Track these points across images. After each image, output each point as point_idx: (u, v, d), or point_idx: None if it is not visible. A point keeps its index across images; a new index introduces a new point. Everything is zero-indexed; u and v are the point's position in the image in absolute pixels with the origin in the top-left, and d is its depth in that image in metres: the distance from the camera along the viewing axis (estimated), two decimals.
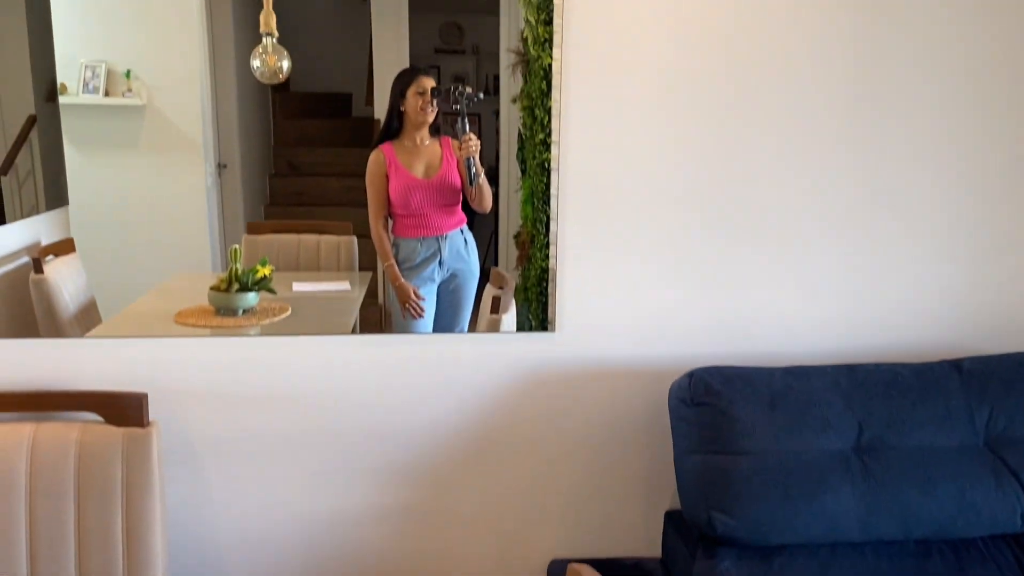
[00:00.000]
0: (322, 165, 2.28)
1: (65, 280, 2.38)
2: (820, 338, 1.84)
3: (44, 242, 2.53)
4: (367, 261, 2.00)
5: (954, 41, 1.71)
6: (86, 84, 2.51)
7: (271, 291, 2.30)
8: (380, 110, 1.96)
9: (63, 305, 2.23)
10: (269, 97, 2.40)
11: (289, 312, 1.96)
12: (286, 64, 2.46)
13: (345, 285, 2.06)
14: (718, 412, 1.64)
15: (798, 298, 1.82)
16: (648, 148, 1.69)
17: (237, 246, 2.45)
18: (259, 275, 2.45)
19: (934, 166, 1.78)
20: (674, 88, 1.68)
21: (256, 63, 2.44)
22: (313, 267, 2.18)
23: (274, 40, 2.42)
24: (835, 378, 1.71)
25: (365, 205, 1.92)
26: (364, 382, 1.70)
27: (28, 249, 2.33)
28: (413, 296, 1.79)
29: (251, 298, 2.46)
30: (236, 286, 2.37)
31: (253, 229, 2.76)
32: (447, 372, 1.72)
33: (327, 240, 2.21)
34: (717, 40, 1.66)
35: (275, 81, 2.49)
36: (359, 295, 2.04)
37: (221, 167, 2.42)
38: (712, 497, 1.60)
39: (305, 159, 2.32)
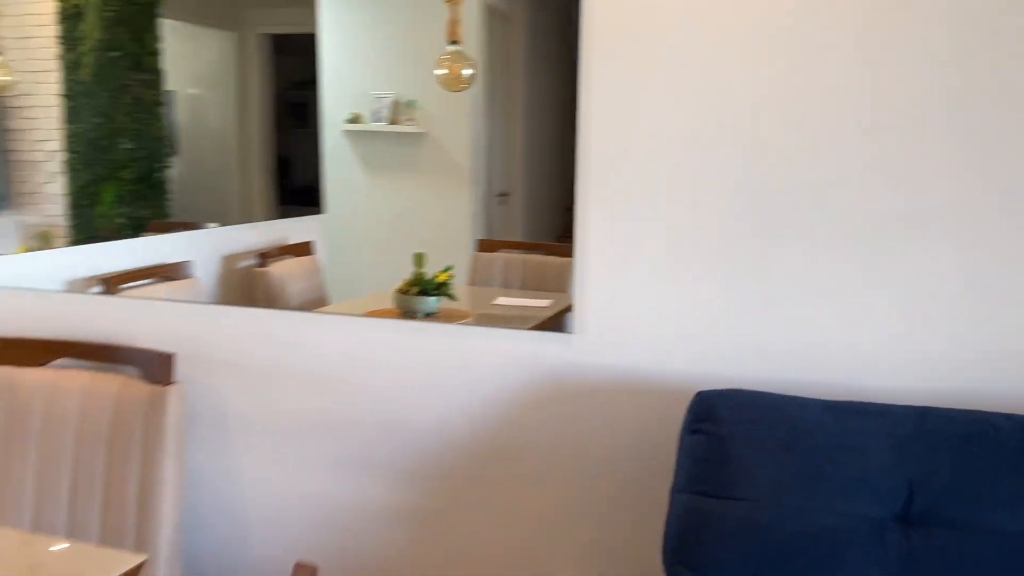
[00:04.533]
0: None
1: (291, 276, 2.84)
2: (906, 374, 1.36)
3: (291, 242, 3.06)
4: None
5: None
6: (375, 113, 2.99)
7: (450, 296, 2.47)
8: None
9: (282, 295, 2.70)
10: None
11: (470, 320, 2.07)
12: (468, 72, 2.60)
13: (546, 303, 2.11)
14: (714, 443, 1.31)
15: (883, 321, 1.36)
16: (696, 128, 1.42)
17: (422, 252, 2.66)
18: (439, 280, 2.63)
19: None
20: (728, 55, 1.39)
21: (440, 71, 2.64)
22: (535, 286, 2.28)
23: (459, 48, 2.58)
24: (894, 422, 1.25)
25: None
26: (376, 369, 1.68)
27: (272, 248, 2.86)
28: None
29: (431, 302, 2.67)
30: (417, 289, 2.58)
31: (483, 247, 2.95)
32: (455, 367, 1.65)
33: (551, 261, 2.28)
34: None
35: (456, 89, 2.64)
36: (552, 312, 2.07)
37: (501, 196, 2.65)
38: (682, 547, 1.29)
39: None
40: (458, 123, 3.02)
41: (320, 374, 1.71)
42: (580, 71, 1.48)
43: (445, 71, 2.69)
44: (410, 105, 3.13)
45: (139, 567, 1.24)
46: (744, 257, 1.44)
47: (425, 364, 1.65)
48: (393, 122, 3.00)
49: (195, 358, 1.79)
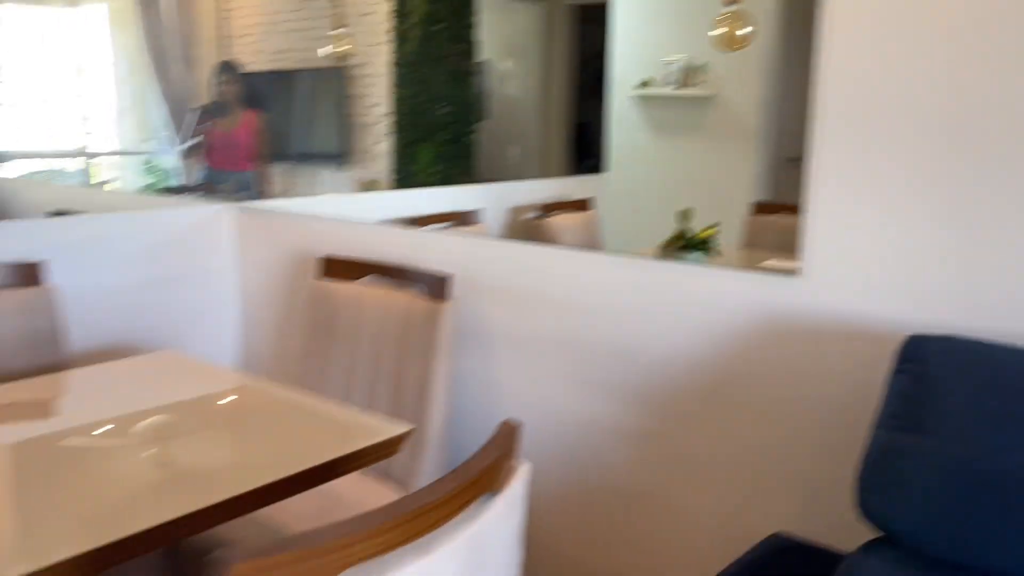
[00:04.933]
0: None
1: (567, 228, 3.01)
2: None
3: (573, 198, 3.28)
4: None
5: None
6: (666, 78, 3.12)
7: (712, 252, 2.59)
8: None
9: (557, 243, 2.91)
10: None
11: None
12: (745, 31, 2.61)
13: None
14: (917, 381, 1.31)
15: None
16: (941, 70, 1.40)
17: (689, 208, 2.72)
18: (701, 236, 2.68)
19: None
20: None
21: (717, 32, 2.68)
22: None
23: (736, 8, 2.60)
24: None
25: None
26: (618, 303, 1.82)
27: (554, 202, 3.09)
28: None
29: (693, 257, 2.79)
30: (680, 243, 2.67)
31: (759, 210, 2.94)
32: (688, 303, 1.72)
33: None
34: None
35: (733, 49, 2.64)
36: None
37: (791, 160, 2.71)
38: (873, 477, 1.31)
39: None
40: (749, 85, 3.03)
41: (570, 303, 1.90)
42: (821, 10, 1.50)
43: (722, 31, 2.72)
44: (701, 68, 3.17)
45: (407, 434, 1.51)
46: (979, 204, 1.37)
47: (662, 300, 1.77)
48: (683, 86, 3.08)
49: (468, 282, 2.06)
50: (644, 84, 3.13)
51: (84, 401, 1.68)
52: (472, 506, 0.94)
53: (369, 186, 3.56)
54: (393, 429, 1.51)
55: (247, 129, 4.23)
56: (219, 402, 1.67)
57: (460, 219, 2.76)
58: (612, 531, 1.92)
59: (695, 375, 1.75)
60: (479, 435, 2.12)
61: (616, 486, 1.90)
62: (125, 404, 1.62)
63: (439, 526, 0.88)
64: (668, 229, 2.85)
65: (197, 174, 4.43)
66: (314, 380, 2.16)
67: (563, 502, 1.98)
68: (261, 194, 3.39)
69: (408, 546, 0.85)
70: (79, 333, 2.29)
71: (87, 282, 2.32)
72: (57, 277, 2.22)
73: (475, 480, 0.93)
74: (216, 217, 2.61)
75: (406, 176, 3.62)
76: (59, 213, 3.10)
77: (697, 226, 2.72)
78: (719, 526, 1.76)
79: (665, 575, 1.86)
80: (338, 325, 2.14)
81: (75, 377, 1.81)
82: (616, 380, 1.86)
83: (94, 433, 1.46)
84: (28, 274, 2.09)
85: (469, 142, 3.74)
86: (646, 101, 3.21)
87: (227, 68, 4.43)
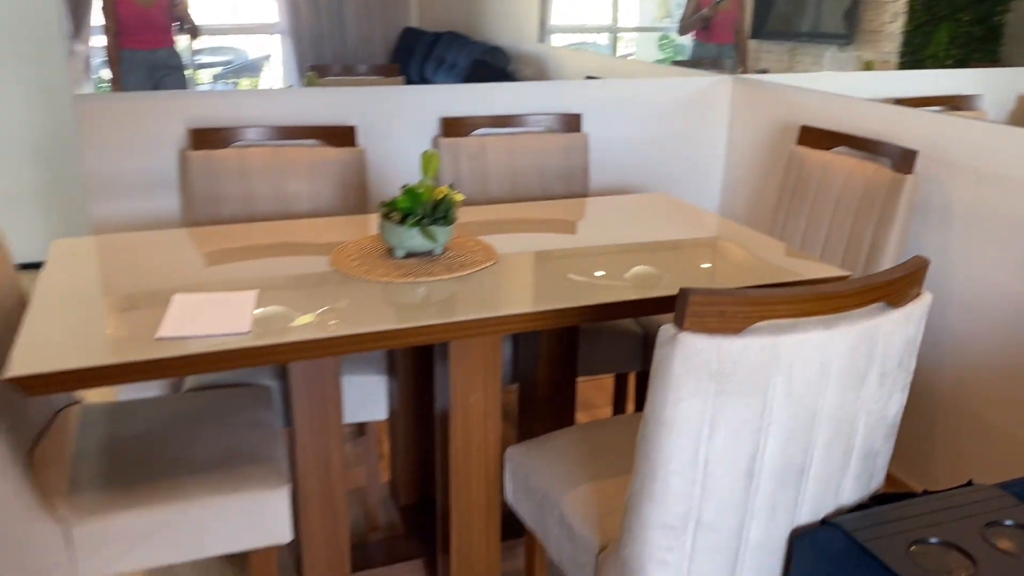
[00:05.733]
0: None
1: None
2: None
3: None
4: None
5: None
6: None
7: None
8: None
9: None
10: None
11: None
12: None
13: None
14: None
15: None
16: None
17: None
18: None
19: None
20: None
21: None
22: None
23: None
24: None
25: None
26: None
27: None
28: None
29: None
30: None
31: None
32: None
33: None
34: None
35: None
36: None
37: None
38: None
39: None
40: None
41: None
42: None
43: None
44: None
45: (844, 278, 1.80)
46: None
47: None
48: None
49: (934, 159, 2.19)
50: None
51: (594, 223, 2.24)
52: (872, 307, 1.24)
53: (868, 67, 3.64)
54: (836, 272, 1.81)
55: (736, 4, 4.50)
56: (697, 235, 2.11)
57: (955, 103, 2.76)
58: None
59: None
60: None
61: None
62: (623, 228, 2.15)
63: (841, 312, 1.20)
64: None
65: (694, 49, 4.86)
66: (779, 233, 2.50)
67: (996, 376, 2.09)
68: (742, 67, 3.67)
69: (815, 318, 1.19)
70: (597, 172, 2.92)
71: (607, 133, 2.91)
72: (587, 127, 2.84)
73: (877, 287, 1.21)
74: (714, 87, 3.01)
75: (916, 59, 3.56)
76: (591, 78, 3.76)
77: None
78: None
79: None
80: (807, 188, 2.43)
81: (592, 204, 2.40)
82: None
83: (593, 244, 2.01)
84: (570, 123, 2.73)
85: (999, 23, 3.49)
86: None
87: None
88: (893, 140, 2.29)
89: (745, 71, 3.33)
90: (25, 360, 1.33)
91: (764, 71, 3.63)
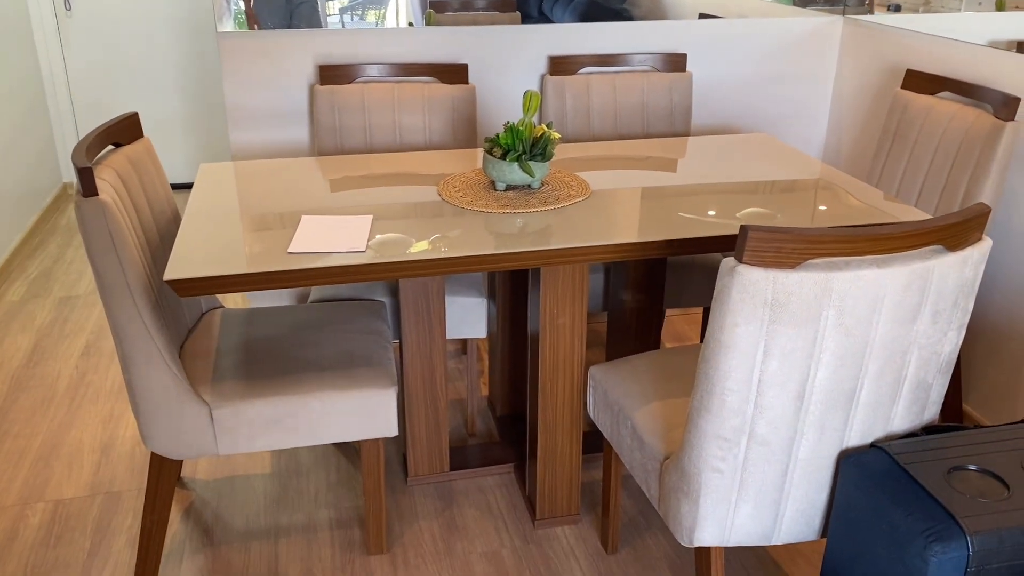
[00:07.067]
0: None
1: None
2: None
3: None
4: None
5: None
6: None
7: None
8: None
9: None
10: None
11: None
12: None
13: None
14: None
15: None
16: None
17: None
18: None
19: None
20: None
21: None
22: None
23: None
24: None
25: None
26: None
27: None
28: None
29: None
30: None
31: None
32: None
33: None
34: None
35: None
36: None
37: None
38: None
39: None
40: None
41: None
42: None
43: None
44: None
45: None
46: None
47: None
48: None
49: None
50: None
51: (692, 161, 2.34)
52: (928, 249, 1.32)
53: (999, 7, 3.50)
54: (924, 218, 1.86)
55: None
56: (795, 177, 2.18)
57: None
58: None
59: None
60: (1002, 253, 2.29)
61: None
62: (724, 167, 2.24)
63: (896, 252, 1.29)
64: None
65: None
66: (877, 177, 2.52)
67: None
68: (869, 4, 3.59)
69: (870, 256, 1.29)
70: (701, 111, 2.98)
71: (713, 72, 2.96)
72: (691, 66, 2.90)
73: (931, 231, 1.30)
74: (824, 27, 3.00)
75: None
76: (703, 16, 3.76)
77: None
78: None
79: None
80: (909, 133, 2.44)
81: (693, 143, 2.49)
82: None
83: (686, 183, 2.12)
84: (675, 62, 2.80)
85: None
86: None
87: None
88: (998, 86, 2.27)
89: (871, 9, 3.28)
90: (180, 266, 1.58)
91: (897, 7, 3.54)
